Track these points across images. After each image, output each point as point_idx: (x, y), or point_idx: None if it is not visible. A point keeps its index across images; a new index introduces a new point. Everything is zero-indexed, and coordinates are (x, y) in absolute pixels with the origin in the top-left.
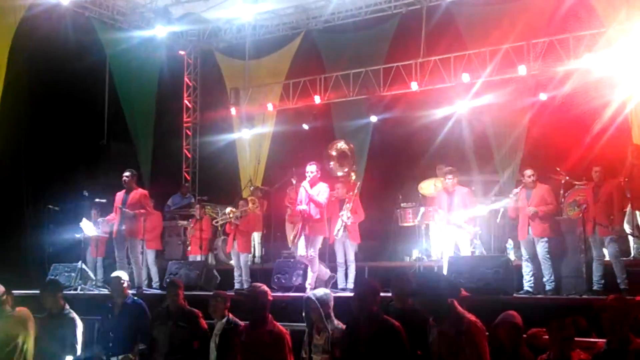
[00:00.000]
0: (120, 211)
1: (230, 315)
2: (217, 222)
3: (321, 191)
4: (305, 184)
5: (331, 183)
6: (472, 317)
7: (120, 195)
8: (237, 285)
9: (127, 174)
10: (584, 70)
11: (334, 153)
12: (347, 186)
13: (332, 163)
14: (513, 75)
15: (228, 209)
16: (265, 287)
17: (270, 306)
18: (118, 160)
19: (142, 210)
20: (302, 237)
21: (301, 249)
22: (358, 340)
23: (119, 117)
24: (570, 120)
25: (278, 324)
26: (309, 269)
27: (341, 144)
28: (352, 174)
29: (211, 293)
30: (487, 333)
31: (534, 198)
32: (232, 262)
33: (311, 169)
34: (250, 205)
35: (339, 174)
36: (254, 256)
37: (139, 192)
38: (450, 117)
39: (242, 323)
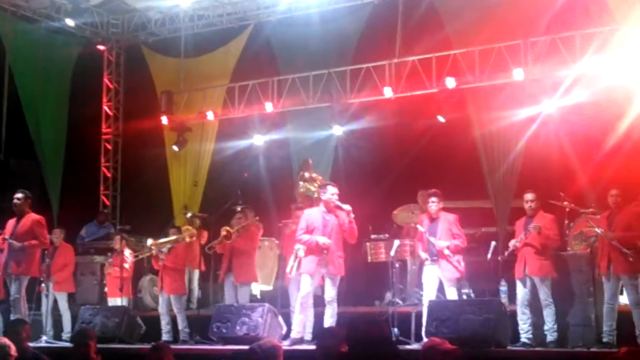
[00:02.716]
0: (6, 243)
1: None
2: (137, 256)
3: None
4: (346, 206)
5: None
6: None
7: (11, 223)
8: (165, 337)
9: (18, 196)
10: (593, 75)
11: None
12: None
13: (301, 184)
14: (507, 81)
15: (150, 241)
16: (274, 341)
17: None
18: (19, 180)
19: (32, 242)
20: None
21: (305, 287)
22: None
23: (21, 126)
24: (577, 136)
25: None
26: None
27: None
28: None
29: (144, 345)
30: None
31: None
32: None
33: (335, 190)
34: (185, 235)
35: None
36: (189, 300)
37: (30, 219)
38: (431, 130)
39: None
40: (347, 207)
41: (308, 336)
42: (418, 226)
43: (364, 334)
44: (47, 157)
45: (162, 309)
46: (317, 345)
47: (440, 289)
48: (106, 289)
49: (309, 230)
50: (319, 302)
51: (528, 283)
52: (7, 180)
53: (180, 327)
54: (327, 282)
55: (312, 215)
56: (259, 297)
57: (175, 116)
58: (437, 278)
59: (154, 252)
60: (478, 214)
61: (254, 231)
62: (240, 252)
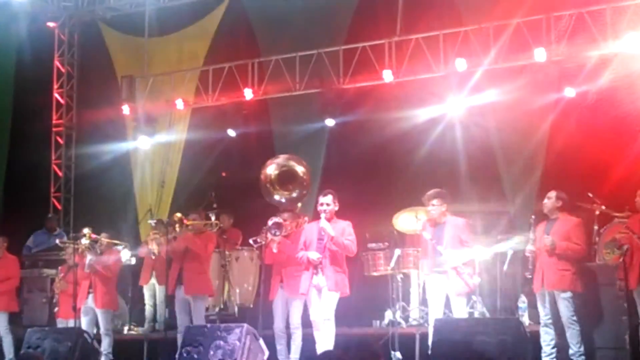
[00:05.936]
0: None
1: None
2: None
3: (347, 231)
4: (324, 222)
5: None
6: None
7: None
8: None
9: None
10: (627, 55)
11: (271, 172)
12: (296, 220)
13: (268, 186)
14: (527, 62)
15: (87, 230)
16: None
17: None
18: None
19: None
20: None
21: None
22: None
23: None
24: (609, 126)
25: None
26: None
27: (281, 161)
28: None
29: None
30: None
31: (555, 233)
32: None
33: (327, 200)
34: (152, 246)
35: (282, 200)
36: (154, 320)
37: None
38: (439, 121)
39: None
40: (323, 223)
41: None
42: (424, 233)
43: None
44: None
45: (86, 323)
46: None
47: (447, 304)
48: (56, 309)
49: (306, 246)
50: (308, 323)
51: (547, 298)
52: None
53: (104, 352)
54: (323, 299)
55: (309, 229)
56: (237, 315)
57: (138, 105)
58: (444, 292)
59: (82, 245)
60: (494, 219)
61: (211, 236)
62: (193, 257)
